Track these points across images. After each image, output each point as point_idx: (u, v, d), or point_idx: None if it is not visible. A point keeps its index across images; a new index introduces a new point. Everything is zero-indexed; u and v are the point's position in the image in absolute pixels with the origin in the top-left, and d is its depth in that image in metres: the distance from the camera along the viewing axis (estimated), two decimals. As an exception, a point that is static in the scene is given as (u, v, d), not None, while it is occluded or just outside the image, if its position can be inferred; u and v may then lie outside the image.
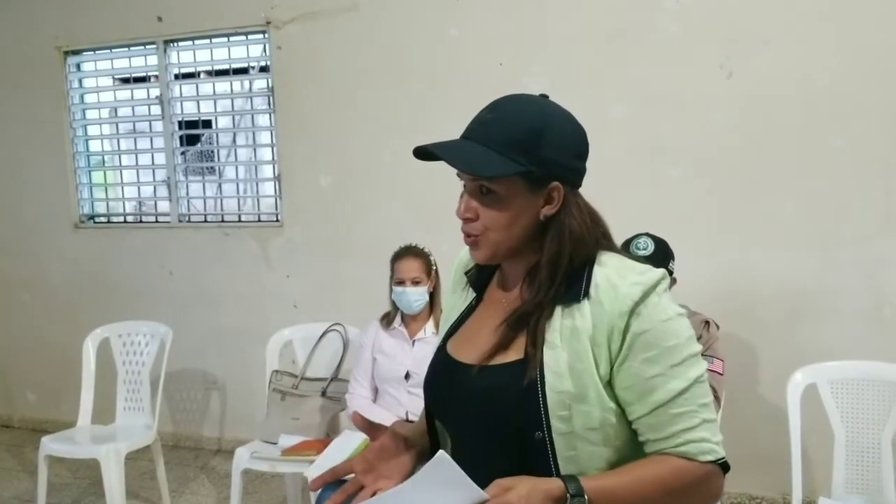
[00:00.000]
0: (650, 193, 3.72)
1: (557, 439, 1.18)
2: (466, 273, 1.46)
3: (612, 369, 1.18)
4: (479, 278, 1.42)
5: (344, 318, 3.75)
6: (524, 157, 1.20)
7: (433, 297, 3.17)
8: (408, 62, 4.12)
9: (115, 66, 4.97)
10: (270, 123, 4.56)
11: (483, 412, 1.24)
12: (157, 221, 5.00)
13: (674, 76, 3.66)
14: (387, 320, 3.23)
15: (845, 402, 2.87)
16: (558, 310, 1.22)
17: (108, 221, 5.12)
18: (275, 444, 3.34)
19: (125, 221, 5.12)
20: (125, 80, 5.06)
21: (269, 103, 4.53)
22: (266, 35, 4.44)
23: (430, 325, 3.16)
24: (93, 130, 5.14)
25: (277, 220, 4.59)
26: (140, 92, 4.93)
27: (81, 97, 5.05)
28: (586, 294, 1.20)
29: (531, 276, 1.27)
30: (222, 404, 4.81)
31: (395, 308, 3.21)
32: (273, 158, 4.58)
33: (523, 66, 3.88)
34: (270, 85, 4.48)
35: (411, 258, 3.14)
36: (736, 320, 3.53)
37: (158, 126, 4.81)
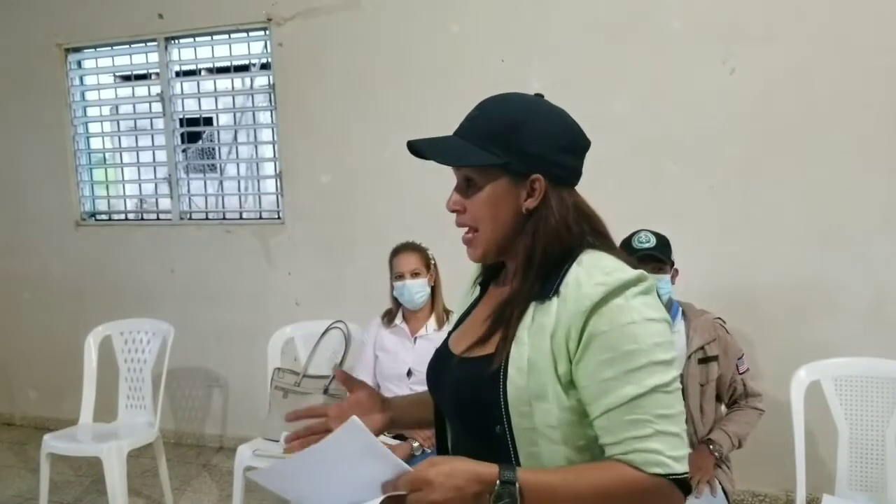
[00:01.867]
0: (651, 190, 3.71)
1: (518, 434, 1.19)
2: (480, 273, 1.50)
3: (570, 368, 1.17)
4: (486, 275, 1.45)
5: (345, 315, 3.74)
6: (502, 150, 1.23)
7: (434, 292, 3.16)
8: (409, 59, 4.11)
9: (116, 63, 4.98)
10: (272, 121, 4.55)
11: (455, 403, 1.30)
12: (158, 219, 5.00)
13: (676, 72, 3.65)
14: (388, 317, 3.23)
15: (849, 399, 2.86)
16: (532, 306, 1.23)
17: (110, 219, 5.12)
18: (277, 441, 3.33)
19: (126, 219, 5.12)
20: (126, 78, 5.07)
21: (270, 100, 4.53)
22: (267, 32, 4.43)
23: (431, 321, 3.15)
24: (94, 128, 5.15)
25: (279, 218, 4.59)
26: (141, 89, 4.94)
27: (82, 94, 5.05)
28: (556, 292, 1.20)
29: (518, 270, 1.30)
30: (224, 402, 4.80)
31: (397, 305, 3.21)
32: (274, 156, 4.57)
33: (525, 63, 3.87)
34: (272, 82, 4.47)
35: (408, 252, 3.15)
36: (738, 317, 3.51)
37: (159, 123, 4.81)
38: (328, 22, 4.24)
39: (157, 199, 5.08)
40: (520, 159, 1.23)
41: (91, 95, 5.09)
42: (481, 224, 1.28)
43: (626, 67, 3.71)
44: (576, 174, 1.30)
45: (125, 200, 5.20)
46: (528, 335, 1.20)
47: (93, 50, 4.95)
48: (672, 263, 2.80)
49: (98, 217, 5.13)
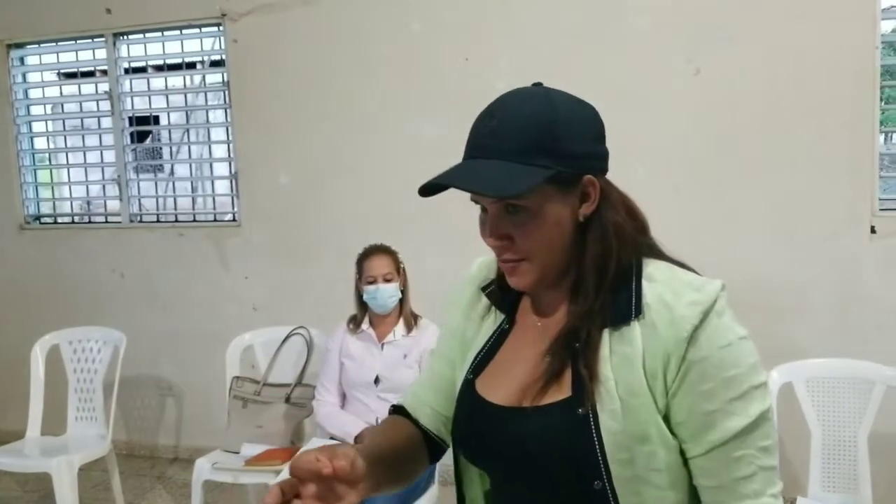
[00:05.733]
0: (618, 191, 3.67)
1: (619, 486, 1.03)
2: (485, 291, 1.26)
3: (666, 403, 1.03)
4: (506, 298, 1.23)
5: (305, 320, 3.64)
6: (548, 159, 1.04)
7: (402, 296, 3.08)
8: (369, 57, 4.02)
9: (62, 59, 4.83)
10: (226, 119, 4.42)
11: (531, 462, 1.09)
12: (106, 222, 4.85)
13: (641, 72, 3.63)
14: (354, 323, 3.13)
15: (821, 401, 2.85)
16: (606, 334, 1.06)
17: (55, 222, 4.96)
18: (237, 453, 3.22)
19: (73, 222, 4.96)
20: (72, 75, 4.90)
21: (224, 98, 4.40)
22: (221, 28, 4.30)
23: (399, 326, 3.07)
24: (38, 127, 4.97)
25: (234, 220, 4.46)
26: (88, 87, 4.79)
27: (25, 92, 4.87)
28: (637, 313, 1.04)
29: (576, 290, 1.11)
30: (178, 411, 4.66)
31: (363, 310, 3.11)
32: (229, 155, 4.44)
33: (489, 62, 3.81)
34: (226, 79, 4.34)
35: (381, 255, 3.06)
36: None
37: (107, 122, 4.66)
38: (285, 17, 4.13)
39: (105, 201, 4.93)
40: (567, 164, 1.06)
41: (35, 93, 4.91)
42: (533, 254, 1.09)
43: (591, 67, 3.67)
44: (608, 160, 1.14)
45: (71, 202, 5.05)
46: (611, 369, 1.04)
47: (36, 46, 4.78)
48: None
49: (43, 220, 4.95)
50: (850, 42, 3.37)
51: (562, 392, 1.07)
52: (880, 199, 3.46)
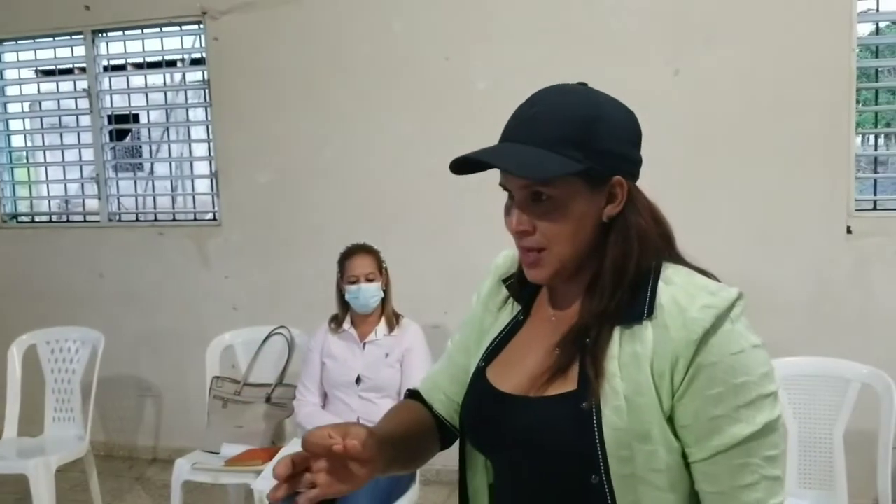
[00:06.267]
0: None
1: (616, 483, 1.03)
2: (506, 282, 1.27)
3: (672, 405, 1.04)
4: (525, 290, 1.24)
5: (286, 320, 3.63)
6: (580, 153, 1.05)
7: (384, 296, 3.08)
8: (350, 56, 4.01)
9: (40, 56, 4.77)
10: (206, 118, 4.39)
11: (532, 451, 1.10)
12: (85, 221, 4.82)
13: (621, 73, 3.62)
14: (336, 323, 3.12)
15: (797, 399, 2.88)
16: (616, 332, 1.06)
17: (33, 221, 4.91)
18: (217, 453, 3.21)
19: (51, 221, 4.92)
20: (50, 73, 4.85)
21: (204, 97, 4.37)
22: (202, 26, 4.27)
23: (381, 326, 3.06)
24: (15, 125, 4.94)
25: (215, 219, 4.44)
26: (66, 84, 4.76)
27: (2, 90, 4.82)
28: (650, 314, 1.05)
29: (592, 287, 1.11)
30: (157, 412, 4.63)
31: (344, 310, 3.11)
32: (209, 154, 4.42)
33: (469, 61, 3.82)
34: (206, 78, 4.31)
35: (363, 255, 3.05)
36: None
37: (86, 120, 4.62)
38: (266, 16, 4.11)
39: (83, 200, 4.88)
40: (599, 161, 1.06)
41: (12, 90, 4.86)
42: (554, 245, 1.09)
43: (571, 67, 3.63)
44: (640, 167, 1.14)
45: (49, 201, 5.00)
46: (618, 367, 1.04)
47: (13, 43, 4.72)
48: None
49: (20, 219, 4.90)
50: (827, 44, 3.41)
51: (567, 385, 1.08)
52: (856, 200, 3.50)
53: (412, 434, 1.24)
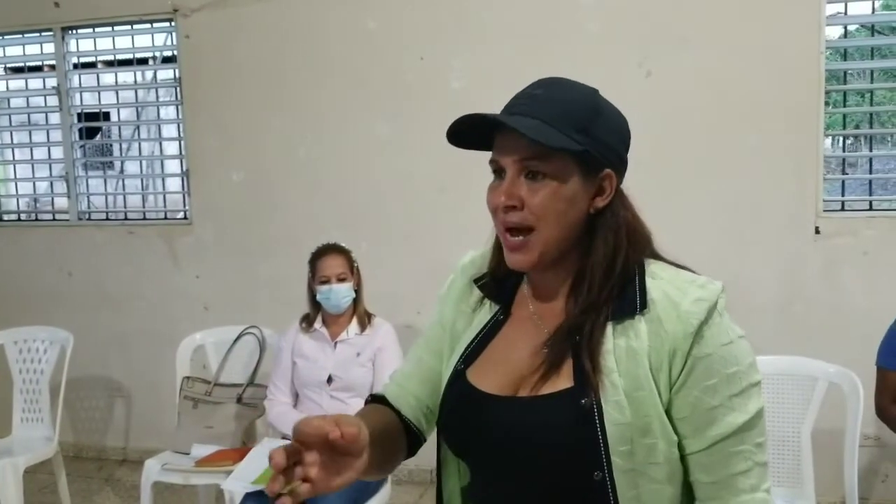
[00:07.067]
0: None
1: (619, 478, 1.04)
2: (478, 283, 1.25)
3: (669, 398, 1.05)
4: (501, 290, 1.23)
5: (257, 320, 3.61)
6: (581, 136, 1.07)
7: (356, 296, 3.07)
8: (324, 55, 4.00)
9: (8, 53, 4.73)
10: (177, 116, 4.36)
11: (528, 452, 1.08)
12: (54, 219, 4.78)
13: (593, 74, 3.57)
14: (307, 322, 3.11)
15: (766, 397, 2.87)
16: (609, 327, 1.07)
17: (1, 219, 4.86)
18: (187, 454, 3.18)
19: (20, 220, 4.87)
20: (18, 70, 4.79)
21: (175, 95, 4.34)
22: (173, 23, 4.24)
23: (353, 325, 3.05)
24: (-18, 123, 4.84)
25: (186, 218, 4.41)
26: (35, 82, 4.70)
27: (-31, 87, 4.74)
28: (643, 308, 1.06)
29: (578, 283, 1.12)
30: (127, 412, 4.58)
31: (316, 309, 3.10)
32: (181, 153, 4.38)
33: (444, 61, 3.82)
34: (177, 76, 4.28)
35: (334, 255, 3.04)
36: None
37: (55, 118, 4.57)
38: (239, 14, 4.09)
39: (52, 199, 4.83)
40: (598, 149, 1.08)
41: (-21, 88, 4.79)
42: (542, 223, 1.08)
43: (543, 68, 3.63)
44: (625, 172, 1.17)
45: (18, 200, 4.95)
46: (615, 361, 1.05)
47: (-19, 39, 4.65)
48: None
49: (-12, 217, 4.83)
50: (796, 47, 3.45)
51: (562, 383, 1.08)
52: (824, 201, 3.55)
53: (386, 436, 1.20)
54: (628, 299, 1.08)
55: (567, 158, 1.07)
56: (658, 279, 1.09)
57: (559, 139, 1.05)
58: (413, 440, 1.29)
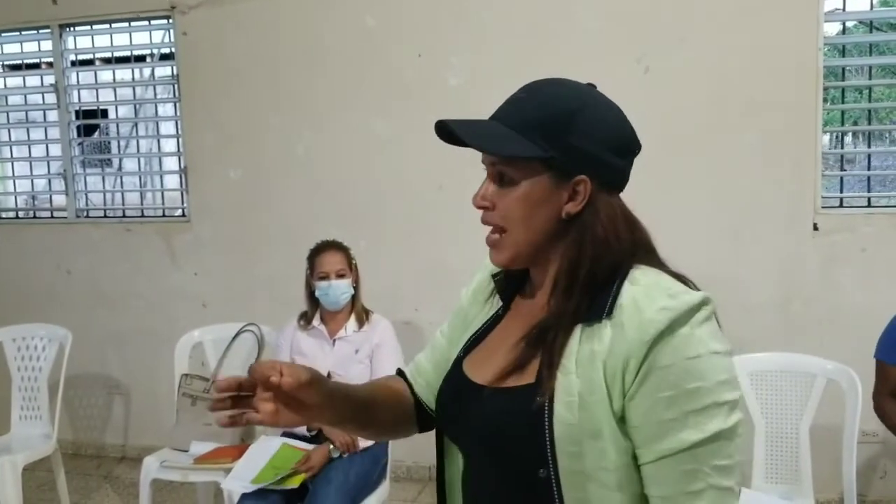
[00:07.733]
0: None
1: (564, 478, 1.04)
2: (495, 278, 1.29)
3: (623, 405, 1.03)
4: (509, 286, 1.26)
5: (256, 317, 3.62)
6: (547, 142, 1.07)
7: (354, 292, 3.07)
8: (323, 51, 3.99)
9: (6, 51, 4.72)
10: (175, 113, 4.36)
11: (487, 441, 1.12)
12: (52, 217, 4.77)
13: (592, 70, 3.58)
14: (305, 319, 3.11)
15: (765, 394, 2.92)
16: (578, 330, 1.07)
17: (-1, 217, 4.84)
18: (186, 451, 3.19)
19: (17, 217, 4.86)
20: (16, 67, 4.78)
21: (173, 92, 4.33)
22: (171, 20, 4.23)
23: (351, 322, 3.06)
24: (-20, 120, 4.84)
25: (184, 216, 4.40)
26: (33, 79, 4.70)
27: (-32, 84, 4.74)
28: (609, 313, 1.05)
29: (557, 284, 1.13)
30: (126, 410, 4.58)
31: (314, 306, 3.10)
32: (179, 150, 4.38)
33: (442, 58, 3.82)
34: (175, 73, 4.28)
35: (333, 251, 3.05)
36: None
37: (53, 115, 4.56)
38: (236, 10, 4.08)
39: (50, 196, 4.83)
40: (566, 155, 1.08)
41: (-23, 85, 4.78)
42: (511, 225, 1.12)
43: (541, 65, 3.63)
44: (624, 178, 1.14)
45: (16, 197, 4.94)
46: (575, 364, 1.05)
47: (-21, 37, 4.65)
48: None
49: (-14, 215, 4.83)
50: (794, 44, 3.44)
51: (526, 378, 1.09)
52: (823, 198, 3.54)
53: (380, 400, 1.30)
54: (599, 304, 1.07)
55: (536, 164, 1.09)
56: (636, 285, 1.07)
57: (516, 146, 1.08)
58: (425, 418, 1.35)
